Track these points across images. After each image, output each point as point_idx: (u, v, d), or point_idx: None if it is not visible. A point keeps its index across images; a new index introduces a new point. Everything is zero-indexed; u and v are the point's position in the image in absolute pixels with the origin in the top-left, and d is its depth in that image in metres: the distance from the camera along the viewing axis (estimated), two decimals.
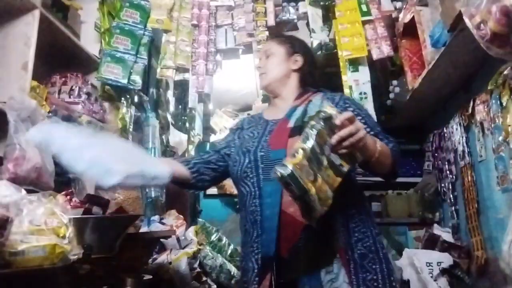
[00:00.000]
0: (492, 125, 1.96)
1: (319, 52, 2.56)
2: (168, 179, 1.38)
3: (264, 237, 1.30)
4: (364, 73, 2.40)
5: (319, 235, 1.25)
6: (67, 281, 1.38)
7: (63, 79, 2.18)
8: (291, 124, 1.41)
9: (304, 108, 1.45)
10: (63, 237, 1.26)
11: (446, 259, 2.24)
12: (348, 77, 2.41)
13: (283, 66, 1.57)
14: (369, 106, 2.36)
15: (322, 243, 1.28)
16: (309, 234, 1.25)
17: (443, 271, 2.18)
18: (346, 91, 2.41)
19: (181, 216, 3.00)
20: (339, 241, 1.28)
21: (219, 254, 2.84)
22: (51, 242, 1.22)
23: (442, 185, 2.68)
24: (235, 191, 5.11)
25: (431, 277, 2.15)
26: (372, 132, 1.37)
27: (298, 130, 1.34)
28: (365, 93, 2.38)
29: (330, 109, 1.14)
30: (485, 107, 2.06)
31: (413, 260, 2.24)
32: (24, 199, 1.28)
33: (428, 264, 2.20)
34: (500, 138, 1.86)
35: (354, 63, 2.41)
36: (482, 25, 1.38)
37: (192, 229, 2.94)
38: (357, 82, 2.39)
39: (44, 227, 1.24)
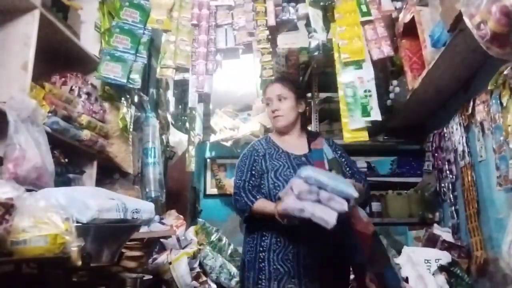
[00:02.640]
0: (492, 125, 1.96)
1: (316, 53, 2.56)
2: (152, 214, 1.70)
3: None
4: (368, 70, 2.39)
5: None
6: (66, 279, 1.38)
7: (63, 79, 2.18)
8: (327, 167, 1.84)
9: (324, 152, 1.90)
10: (66, 230, 1.27)
11: (444, 256, 2.24)
12: (343, 77, 2.40)
13: (295, 110, 1.95)
14: (374, 103, 2.35)
15: None
16: None
17: (441, 268, 2.18)
18: (340, 92, 2.40)
19: (181, 216, 3.00)
20: None
21: (219, 254, 2.84)
22: (52, 232, 1.23)
23: (442, 185, 2.68)
24: None
25: (429, 273, 2.15)
26: (350, 171, 1.90)
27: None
28: (369, 91, 2.36)
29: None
30: (485, 107, 2.06)
31: (411, 257, 2.25)
32: (25, 194, 1.29)
33: (426, 261, 2.20)
34: (501, 138, 1.86)
35: (357, 61, 2.40)
36: (482, 25, 1.38)
37: (192, 229, 2.94)
38: (361, 80, 2.38)
39: (46, 219, 1.25)
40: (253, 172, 1.85)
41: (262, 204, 1.75)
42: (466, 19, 1.46)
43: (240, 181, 1.84)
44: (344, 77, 2.40)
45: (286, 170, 1.82)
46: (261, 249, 1.76)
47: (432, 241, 2.47)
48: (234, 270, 2.71)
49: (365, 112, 2.34)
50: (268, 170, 1.84)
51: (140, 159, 2.81)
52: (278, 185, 1.79)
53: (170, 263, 2.44)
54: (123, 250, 1.87)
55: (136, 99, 2.72)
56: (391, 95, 2.86)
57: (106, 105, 2.41)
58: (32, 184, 1.56)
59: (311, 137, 2.00)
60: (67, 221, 1.30)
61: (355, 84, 2.37)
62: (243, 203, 1.78)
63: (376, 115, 2.34)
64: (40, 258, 1.25)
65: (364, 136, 2.36)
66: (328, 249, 1.71)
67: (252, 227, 1.83)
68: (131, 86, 2.40)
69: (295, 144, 1.95)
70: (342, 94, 2.39)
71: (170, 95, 3.55)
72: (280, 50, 3.20)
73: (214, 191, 5.20)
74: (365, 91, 2.36)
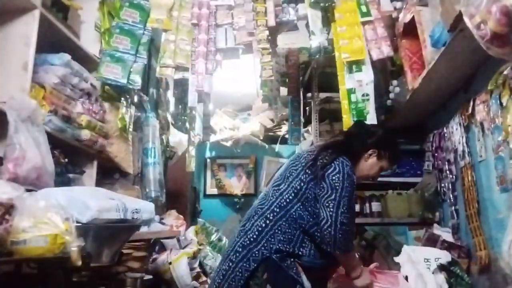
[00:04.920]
0: (492, 125, 1.96)
1: (318, 55, 2.55)
2: (152, 214, 1.66)
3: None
4: (367, 73, 2.37)
5: None
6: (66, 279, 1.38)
7: None
8: None
9: None
10: (66, 230, 1.27)
11: (444, 255, 2.24)
12: (346, 82, 2.40)
13: None
14: (371, 107, 2.35)
15: None
16: None
17: (441, 267, 2.18)
18: (343, 94, 2.40)
19: (181, 216, 3.01)
20: None
21: (219, 254, 2.84)
22: (52, 232, 1.24)
23: (442, 185, 2.68)
24: (235, 191, 5.14)
25: (429, 272, 2.15)
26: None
27: None
28: (367, 95, 2.36)
29: None
30: (485, 107, 2.06)
31: (411, 256, 2.25)
32: (25, 194, 1.29)
33: (426, 260, 2.20)
34: (500, 138, 1.86)
35: (357, 63, 2.39)
36: (482, 25, 1.38)
37: (192, 229, 2.94)
38: (360, 83, 2.37)
39: (46, 219, 1.25)
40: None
41: (355, 259, 1.72)
42: (466, 19, 1.46)
43: (350, 211, 1.62)
44: (346, 83, 2.40)
45: None
46: None
47: (432, 241, 2.47)
48: None
49: (361, 116, 2.34)
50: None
51: (140, 159, 2.81)
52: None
53: (170, 263, 2.44)
54: (130, 251, 1.88)
55: (136, 99, 2.72)
56: (391, 95, 2.86)
57: (106, 105, 2.41)
58: (32, 184, 1.56)
59: None
60: (67, 221, 1.30)
61: (355, 89, 2.37)
62: (348, 240, 1.61)
63: (371, 119, 2.34)
64: (40, 258, 1.25)
65: None
66: None
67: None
68: (131, 87, 2.40)
69: None
70: (345, 91, 2.39)
71: (170, 95, 3.55)
72: (280, 50, 3.20)
73: (214, 191, 5.21)
74: (363, 94, 2.36)
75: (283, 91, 3.78)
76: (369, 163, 1.82)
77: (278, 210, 1.62)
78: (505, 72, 1.78)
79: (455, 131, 2.45)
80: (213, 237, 2.98)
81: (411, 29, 2.39)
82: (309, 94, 3.44)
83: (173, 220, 2.89)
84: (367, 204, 3.04)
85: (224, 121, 5.25)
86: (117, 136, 2.45)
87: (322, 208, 1.58)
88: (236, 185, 5.24)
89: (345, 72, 2.40)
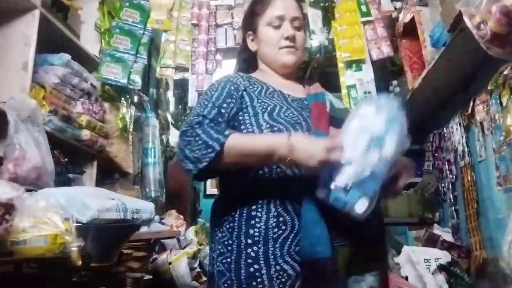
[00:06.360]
0: (492, 125, 1.96)
1: (318, 54, 2.56)
2: (152, 214, 1.58)
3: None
4: (368, 71, 2.40)
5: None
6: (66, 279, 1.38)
7: None
8: (328, 109, 1.25)
9: (328, 99, 1.31)
10: (66, 230, 1.27)
11: (444, 255, 2.25)
12: (346, 78, 2.41)
13: (305, 45, 1.46)
14: None
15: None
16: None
17: (441, 268, 2.19)
18: (344, 91, 2.40)
19: (181, 216, 3.01)
20: None
21: None
22: (52, 232, 1.24)
23: (442, 185, 2.68)
24: None
25: (429, 272, 2.15)
26: None
27: (337, 121, 1.19)
28: (369, 92, 2.37)
29: None
30: (485, 107, 2.06)
31: (411, 256, 2.25)
32: (25, 194, 1.29)
33: (426, 260, 2.20)
34: (501, 138, 1.86)
35: (357, 62, 2.40)
36: (482, 25, 1.38)
37: (192, 229, 2.94)
38: (361, 81, 2.39)
39: (46, 219, 1.25)
40: (222, 111, 1.18)
41: (250, 138, 1.12)
42: (466, 19, 1.47)
43: (196, 117, 1.16)
44: (347, 79, 2.41)
45: (287, 111, 1.19)
46: (248, 241, 1.09)
47: (432, 241, 2.47)
48: None
49: None
50: (256, 111, 1.18)
51: (140, 159, 2.81)
52: (281, 130, 1.14)
53: (170, 263, 2.44)
54: (130, 251, 1.88)
55: (136, 99, 2.73)
56: (391, 95, 2.86)
57: (106, 105, 2.41)
58: (32, 184, 1.56)
59: (307, 82, 1.41)
60: (67, 221, 1.30)
61: (356, 86, 2.38)
62: (202, 143, 1.08)
63: None
64: (40, 258, 1.25)
65: None
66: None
67: (226, 201, 1.24)
68: (131, 87, 2.41)
69: (291, 85, 1.34)
70: (346, 92, 2.40)
71: (170, 95, 3.55)
72: None
73: (214, 191, 5.20)
74: (364, 92, 2.37)
75: None
76: (263, 41, 1.34)
77: None
78: (505, 72, 1.78)
79: (455, 131, 2.45)
80: None
81: (411, 29, 2.39)
82: None
83: (173, 220, 2.89)
84: None
85: None
86: (117, 136, 2.45)
87: None
88: None
89: (345, 70, 2.41)
